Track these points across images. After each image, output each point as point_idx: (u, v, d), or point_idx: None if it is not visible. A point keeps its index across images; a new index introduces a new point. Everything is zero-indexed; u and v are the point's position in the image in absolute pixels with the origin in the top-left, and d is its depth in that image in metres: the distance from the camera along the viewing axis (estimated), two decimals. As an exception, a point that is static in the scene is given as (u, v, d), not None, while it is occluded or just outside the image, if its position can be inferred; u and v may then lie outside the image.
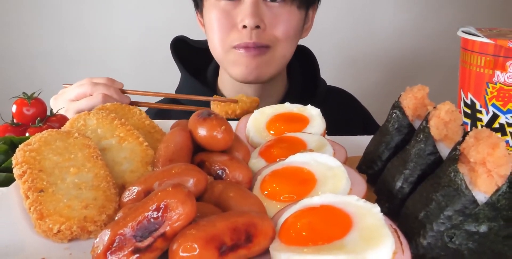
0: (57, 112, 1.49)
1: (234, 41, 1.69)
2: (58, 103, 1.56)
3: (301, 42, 1.91)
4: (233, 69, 1.73)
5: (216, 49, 1.76)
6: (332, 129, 1.30)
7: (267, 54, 1.68)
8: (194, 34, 2.03)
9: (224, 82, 1.93)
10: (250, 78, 1.75)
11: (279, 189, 0.96)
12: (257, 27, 1.65)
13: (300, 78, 2.00)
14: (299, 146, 1.14)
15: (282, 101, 1.82)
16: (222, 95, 1.94)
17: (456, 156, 0.81)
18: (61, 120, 1.47)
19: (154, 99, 1.79)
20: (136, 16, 2.90)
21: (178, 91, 2.00)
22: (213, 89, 1.97)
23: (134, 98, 1.56)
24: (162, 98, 1.91)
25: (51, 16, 2.90)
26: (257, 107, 1.50)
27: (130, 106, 1.30)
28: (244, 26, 1.65)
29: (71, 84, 1.59)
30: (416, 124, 1.06)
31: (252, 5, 1.63)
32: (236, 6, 1.67)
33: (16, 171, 0.98)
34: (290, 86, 1.96)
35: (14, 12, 2.89)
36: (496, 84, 1.24)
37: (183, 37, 1.98)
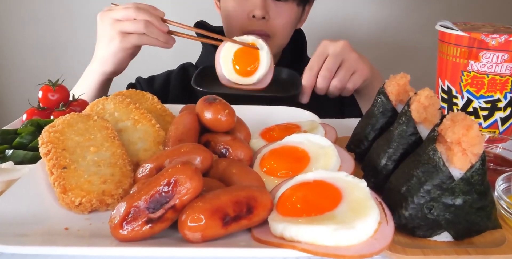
0: (78, 97, 1.48)
1: (245, 28, 1.77)
2: (104, 20, 1.54)
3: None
4: None
5: (232, 34, 1.80)
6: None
7: (268, 43, 1.70)
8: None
9: None
10: None
11: (276, 166, 0.95)
12: (263, 18, 1.74)
13: (289, 54, 2.03)
14: (294, 128, 1.14)
15: None
16: None
17: (434, 136, 0.81)
18: (82, 104, 1.46)
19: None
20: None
21: (199, 61, 2.07)
22: None
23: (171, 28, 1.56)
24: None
25: (76, 11, 2.87)
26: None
27: (144, 92, 1.29)
28: (253, 16, 1.73)
29: (117, 4, 1.57)
30: (399, 108, 1.06)
31: (261, 0, 1.72)
32: None
33: (42, 150, 0.97)
34: (280, 61, 1.99)
35: (44, 7, 2.87)
36: (470, 72, 1.23)
37: (203, 21, 2.03)
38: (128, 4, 1.53)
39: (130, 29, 1.50)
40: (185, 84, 1.98)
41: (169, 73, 2.06)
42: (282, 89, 1.58)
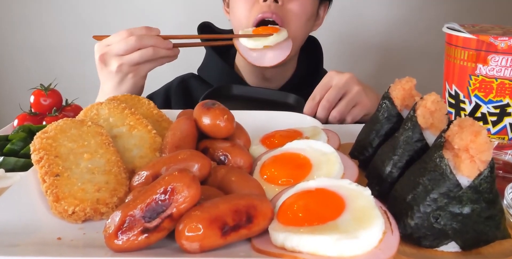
0: (72, 102, 1.49)
1: (255, 14, 1.73)
2: (107, 59, 1.52)
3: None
4: None
5: (242, 25, 1.78)
6: None
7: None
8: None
9: (242, 64, 1.98)
10: None
11: (277, 174, 0.95)
12: (275, 1, 1.71)
13: (304, 68, 2.03)
14: (296, 134, 1.14)
15: (286, 85, 1.94)
16: (240, 74, 2.00)
17: (441, 143, 0.81)
18: (76, 109, 1.47)
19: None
20: (149, 13, 2.88)
21: (201, 67, 2.06)
22: (232, 67, 2.02)
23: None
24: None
25: (69, 13, 2.88)
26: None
27: (140, 96, 1.29)
28: (265, 0, 1.71)
29: (101, 36, 1.56)
30: (404, 113, 1.06)
31: None
32: None
33: (33, 157, 0.97)
34: (294, 74, 2.00)
35: (34, 10, 2.88)
36: (478, 76, 1.23)
37: (208, 23, 2.01)
38: (122, 32, 1.51)
39: (140, 60, 1.50)
40: (187, 99, 1.97)
41: (167, 88, 2.04)
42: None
